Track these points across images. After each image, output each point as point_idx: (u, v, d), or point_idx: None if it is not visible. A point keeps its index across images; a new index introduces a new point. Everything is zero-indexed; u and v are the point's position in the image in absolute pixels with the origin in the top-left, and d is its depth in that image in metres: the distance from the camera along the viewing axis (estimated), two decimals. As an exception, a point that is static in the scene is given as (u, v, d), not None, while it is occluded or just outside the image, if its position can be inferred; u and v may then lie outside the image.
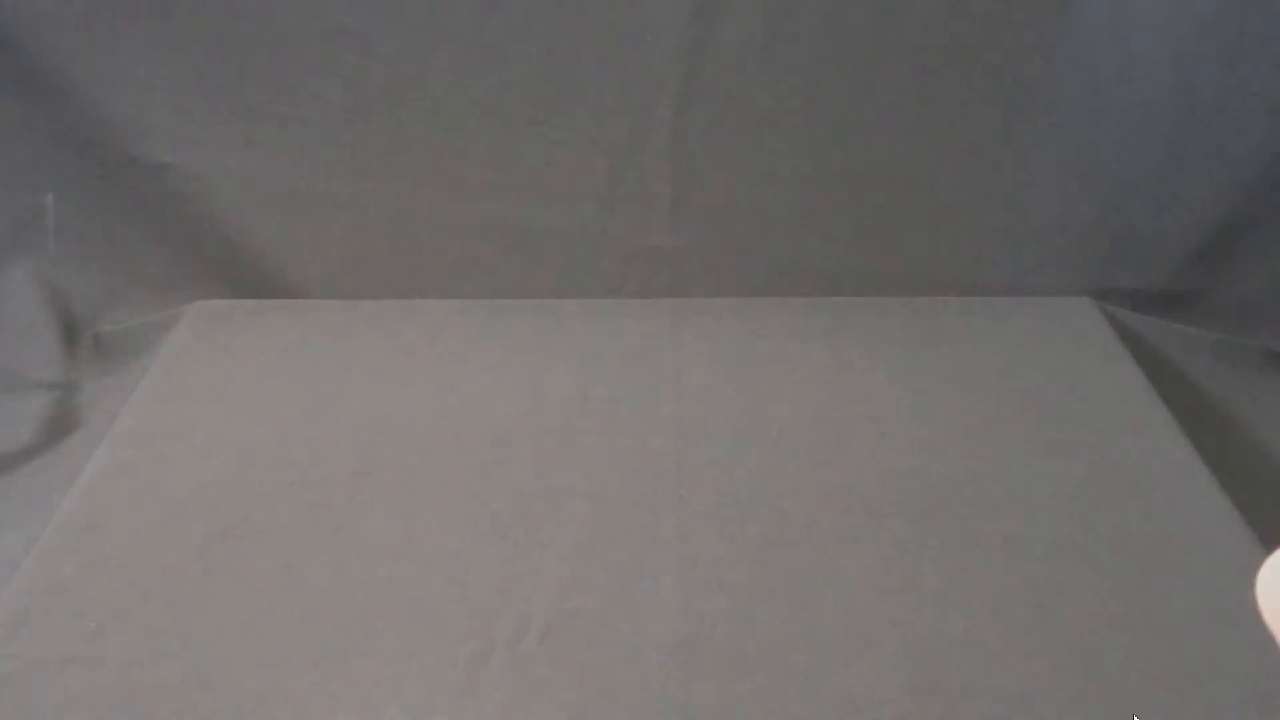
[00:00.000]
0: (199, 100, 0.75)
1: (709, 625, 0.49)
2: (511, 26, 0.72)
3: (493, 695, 0.46)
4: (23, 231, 0.79)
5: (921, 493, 0.57)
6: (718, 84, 0.71)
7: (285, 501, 0.57)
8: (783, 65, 0.70)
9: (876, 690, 0.46)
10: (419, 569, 0.52)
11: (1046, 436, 0.60)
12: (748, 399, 0.64)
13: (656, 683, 0.46)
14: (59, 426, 0.70)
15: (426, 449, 0.60)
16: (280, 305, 0.75)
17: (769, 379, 0.66)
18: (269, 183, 0.77)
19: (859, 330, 0.70)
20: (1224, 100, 0.73)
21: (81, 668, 0.47)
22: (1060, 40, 0.71)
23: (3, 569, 0.54)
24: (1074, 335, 0.69)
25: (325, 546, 0.54)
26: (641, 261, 0.69)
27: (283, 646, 0.48)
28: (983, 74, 0.72)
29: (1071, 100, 0.73)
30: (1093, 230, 0.77)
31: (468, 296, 0.78)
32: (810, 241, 0.78)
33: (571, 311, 0.72)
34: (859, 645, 0.48)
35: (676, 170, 0.73)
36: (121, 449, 0.61)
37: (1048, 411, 0.62)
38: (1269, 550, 0.52)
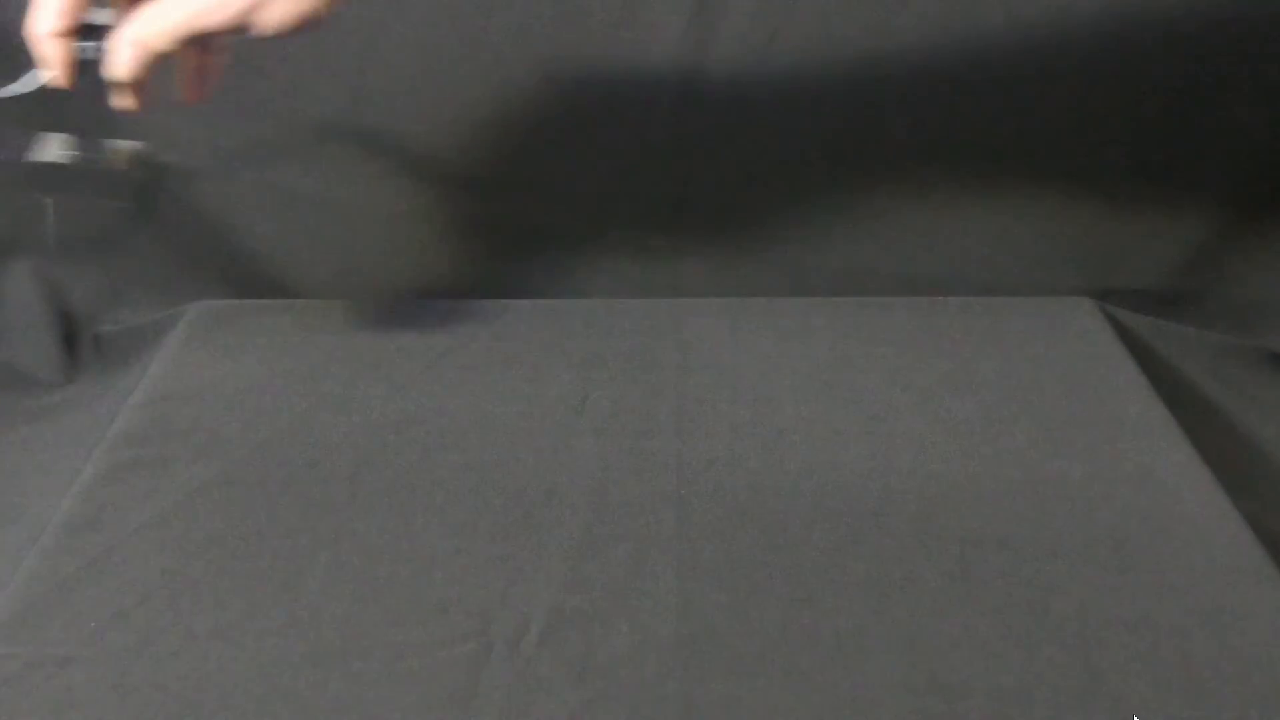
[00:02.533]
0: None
1: (709, 625, 0.49)
2: (511, 27, 0.72)
3: (493, 695, 0.46)
4: (23, 231, 0.79)
5: (921, 493, 0.57)
6: (718, 84, 0.71)
7: (285, 501, 0.57)
8: (783, 65, 0.70)
9: (876, 690, 0.46)
10: (419, 569, 0.52)
11: (1046, 436, 0.60)
12: (748, 399, 0.64)
13: (656, 683, 0.46)
14: (59, 426, 0.70)
15: (426, 449, 0.60)
16: (280, 305, 0.75)
17: (769, 379, 0.66)
18: (269, 183, 0.77)
19: (859, 330, 0.70)
20: (1224, 100, 0.73)
21: (81, 668, 0.47)
22: (1060, 40, 0.71)
23: (3, 569, 0.54)
24: (1074, 335, 0.69)
25: (325, 546, 0.54)
26: (641, 261, 0.69)
27: (283, 647, 0.48)
28: (983, 74, 0.72)
29: (1071, 100, 0.73)
30: (1093, 230, 0.77)
31: (468, 296, 0.78)
32: (811, 241, 0.78)
33: (571, 311, 0.72)
34: (859, 645, 0.48)
35: (676, 170, 0.73)
36: (121, 449, 0.61)
37: (1048, 411, 0.62)
38: (1269, 550, 0.52)
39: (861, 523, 0.55)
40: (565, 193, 0.73)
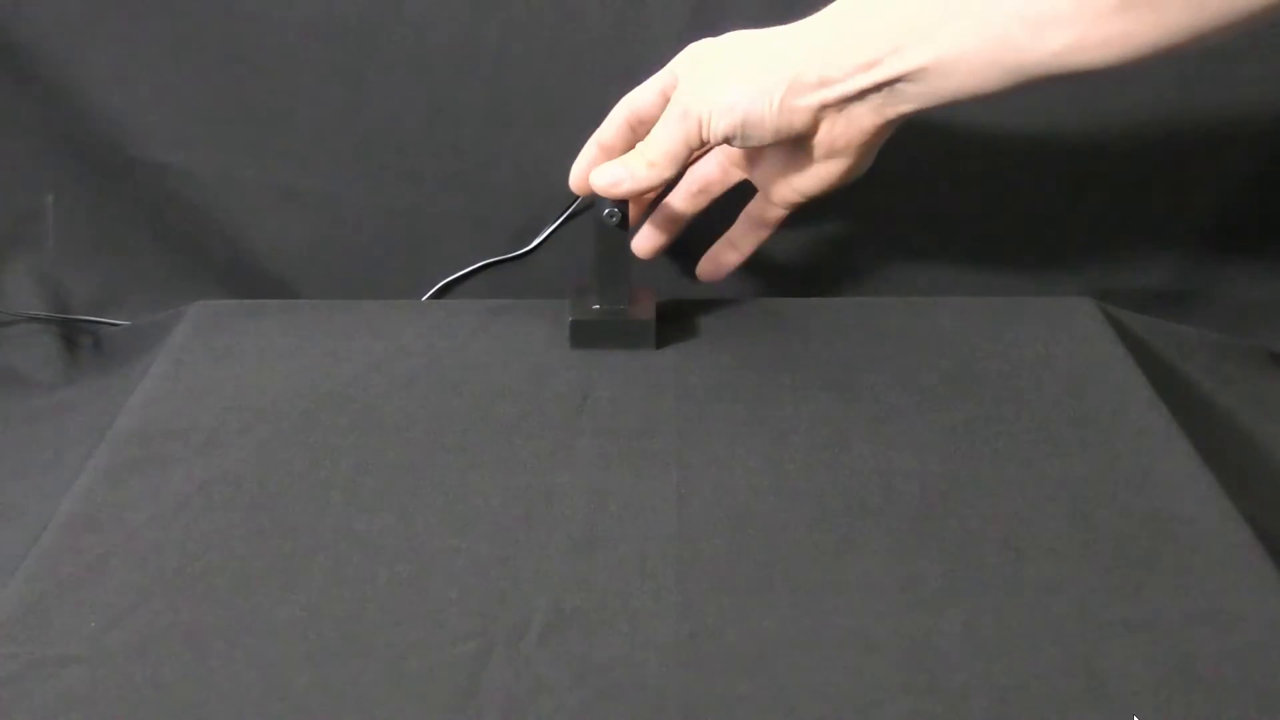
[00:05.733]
0: (199, 100, 0.75)
1: (709, 625, 0.49)
2: (512, 27, 0.72)
3: (493, 695, 0.46)
4: (23, 231, 0.79)
5: (921, 493, 0.57)
6: (718, 84, 0.70)
7: (285, 501, 0.57)
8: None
9: (876, 690, 0.46)
10: (419, 569, 0.52)
11: (1046, 436, 0.60)
12: (748, 399, 0.64)
13: (656, 683, 0.46)
14: (59, 426, 0.70)
15: (427, 448, 0.60)
16: (280, 305, 0.75)
17: (769, 379, 0.66)
18: (269, 183, 0.77)
19: (859, 330, 0.70)
20: (1224, 100, 0.73)
21: (81, 668, 0.47)
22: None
23: (3, 569, 0.54)
24: (1074, 335, 0.69)
25: (325, 546, 0.54)
26: (641, 262, 0.69)
27: (283, 646, 0.48)
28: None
29: (1071, 100, 0.73)
30: (1093, 230, 0.77)
31: (467, 296, 0.78)
32: (810, 242, 0.78)
33: (572, 311, 0.72)
34: (859, 645, 0.48)
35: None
36: (121, 449, 0.61)
37: (1048, 411, 0.62)
38: (1269, 550, 0.52)
39: (861, 523, 0.55)
40: (565, 193, 0.73)
